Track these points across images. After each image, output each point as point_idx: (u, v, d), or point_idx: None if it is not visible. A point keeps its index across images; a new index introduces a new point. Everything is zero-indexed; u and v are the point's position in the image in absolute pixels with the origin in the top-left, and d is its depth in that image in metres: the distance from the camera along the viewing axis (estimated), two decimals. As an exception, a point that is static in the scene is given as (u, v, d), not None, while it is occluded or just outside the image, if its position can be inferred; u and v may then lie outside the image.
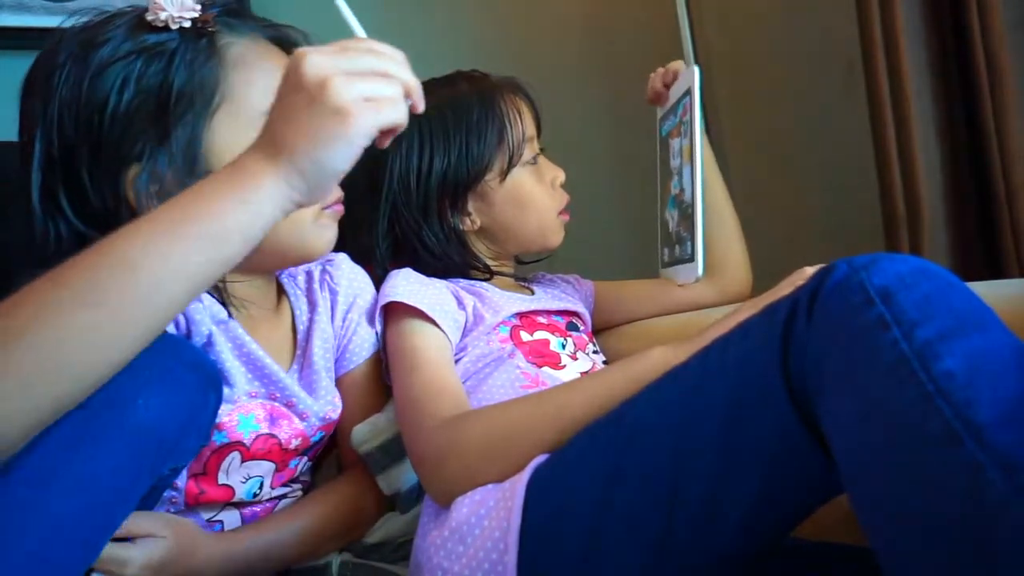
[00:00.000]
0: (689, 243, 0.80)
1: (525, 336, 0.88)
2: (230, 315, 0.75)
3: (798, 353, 0.53)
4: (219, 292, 0.75)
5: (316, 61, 0.53)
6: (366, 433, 0.84)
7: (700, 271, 0.78)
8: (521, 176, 0.94)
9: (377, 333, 0.87)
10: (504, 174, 0.92)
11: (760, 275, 1.02)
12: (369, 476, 0.84)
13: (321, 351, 0.83)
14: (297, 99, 0.53)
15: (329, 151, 0.53)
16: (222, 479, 0.75)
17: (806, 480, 0.55)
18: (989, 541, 0.40)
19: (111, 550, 0.63)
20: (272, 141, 0.54)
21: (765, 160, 1.58)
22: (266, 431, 0.75)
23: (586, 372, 0.87)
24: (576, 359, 0.89)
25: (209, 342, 0.73)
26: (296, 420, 0.78)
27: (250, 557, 0.74)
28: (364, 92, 0.53)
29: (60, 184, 0.70)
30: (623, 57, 1.58)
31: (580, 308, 1.01)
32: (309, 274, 0.88)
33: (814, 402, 0.52)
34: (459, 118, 0.91)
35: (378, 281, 0.90)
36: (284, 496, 0.82)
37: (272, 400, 0.77)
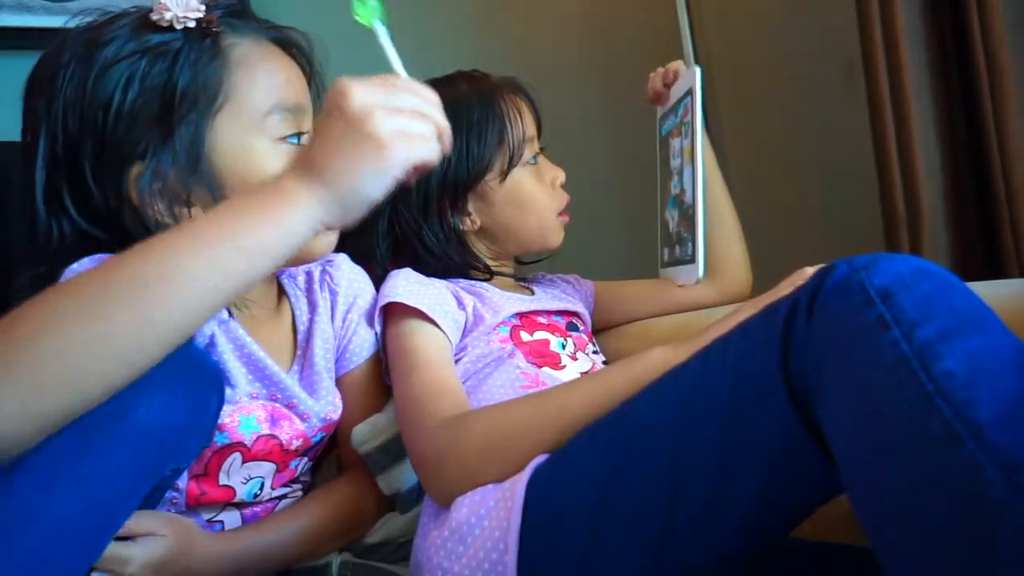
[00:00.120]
0: (690, 244, 0.80)
1: (525, 336, 0.88)
2: (231, 315, 0.75)
3: (798, 353, 0.53)
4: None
5: (362, 94, 0.55)
6: (366, 433, 0.84)
7: (701, 272, 0.78)
8: (521, 176, 0.94)
9: (377, 333, 0.87)
10: (504, 174, 0.92)
11: (760, 275, 1.02)
12: (369, 476, 0.84)
13: (321, 352, 0.83)
14: (339, 126, 0.55)
15: (365, 178, 0.56)
16: (223, 480, 0.75)
17: (806, 480, 0.55)
18: (989, 541, 0.40)
19: (112, 548, 0.63)
20: (312, 164, 0.56)
21: (765, 160, 1.58)
22: (267, 432, 0.75)
23: (586, 372, 0.87)
24: (576, 359, 0.89)
25: (211, 343, 0.73)
26: (297, 421, 0.78)
27: (250, 557, 0.74)
28: (402, 127, 0.56)
29: (64, 183, 0.70)
30: (623, 57, 1.58)
31: (580, 308, 1.01)
32: (309, 274, 0.88)
33: (814, 402, 0.52)
34: (459, 118, 0.90)
35: (378, 281, 0.90)
36: (284, 496, 0.82)
37: (273, 401, 0.77)
